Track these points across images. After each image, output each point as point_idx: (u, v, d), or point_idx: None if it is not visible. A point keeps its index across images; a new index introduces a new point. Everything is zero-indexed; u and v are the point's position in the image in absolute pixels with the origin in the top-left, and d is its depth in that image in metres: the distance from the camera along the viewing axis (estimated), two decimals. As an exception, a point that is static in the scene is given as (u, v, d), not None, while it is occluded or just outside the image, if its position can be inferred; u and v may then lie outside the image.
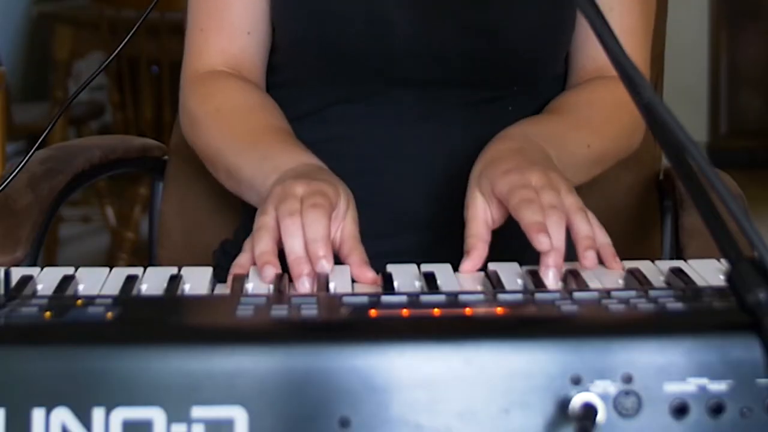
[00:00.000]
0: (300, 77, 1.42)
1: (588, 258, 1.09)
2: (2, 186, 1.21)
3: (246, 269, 1.10)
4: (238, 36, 1.41)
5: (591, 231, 1.11)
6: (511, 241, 1.15)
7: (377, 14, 1.35)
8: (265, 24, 1.42)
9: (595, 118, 1.37)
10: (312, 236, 1.09)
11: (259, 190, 1.24)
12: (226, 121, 1.36)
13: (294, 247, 1.09)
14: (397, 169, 1.39)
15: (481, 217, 1.17)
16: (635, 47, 1.42)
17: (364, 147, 1.39)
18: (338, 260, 1.13)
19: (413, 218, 1.38)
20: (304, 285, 1.06)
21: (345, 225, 1.16)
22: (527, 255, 1.10)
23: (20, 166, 1.22)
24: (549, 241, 1.08)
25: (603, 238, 1.13)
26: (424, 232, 1.39)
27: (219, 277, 1.10)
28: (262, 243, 1.11)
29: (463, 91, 1.39)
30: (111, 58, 1.30)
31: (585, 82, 1.43)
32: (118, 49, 1.29)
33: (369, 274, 1.10)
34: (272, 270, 1.07)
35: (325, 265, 1.08)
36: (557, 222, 1.11)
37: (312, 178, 1.18)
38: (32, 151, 1.25)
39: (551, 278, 1.07)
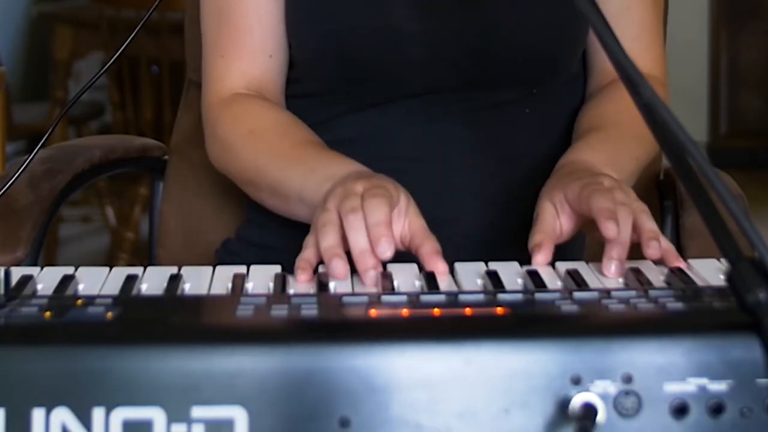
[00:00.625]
0: (314, 89, 1.43)
1: (652, 247, 1.10)
2: (3, 190, 1.21)
3: (312, 264, 1.11)
4: (259, 59, 1.41)
5: (656, 228, 1.13)
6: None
7: (390, 28, 1.36)
8: (285, 46, 1.43)
9: (637, 127, 1.37)
10: (373, 221, 1.10)
11: (310, 202, 1.24)
12: (262, 141, 1.36)
13: (359, 241, 1.09)
14: (412, 169, 1.39)
15: (549, 220, 1.18)
16: (653, 42, 1.43)
17: (379, 149, 1.40)
18: (406, 257, 1.13)
19: (428, 218, 1.38)
20: (372, 278, 1.07)
21: (410, 219, 1.16)
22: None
23: (21, 169, 1.22)
24: (616, 229, 1.10)
25: (666, 243, 1.13)
26: (439, 232, 1.38)
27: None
28: (328, 237, 1.11)
29: (478, 95, 1.39)
30: (111, 62, 1.30)
31: (611, 86, 1.43)
32: (118, 52, 1.29)
33: (440, 265, 1.10)
34: (341, 263, 1.08)
35: (386, 246, 1.08)
36: (626, 216, 1.12)
37: (371, 177, 1.19)
38: (32, 154, 1.25)
39: (613, 271, 1.08)
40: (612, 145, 1.34)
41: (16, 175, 1.24)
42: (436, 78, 1.37)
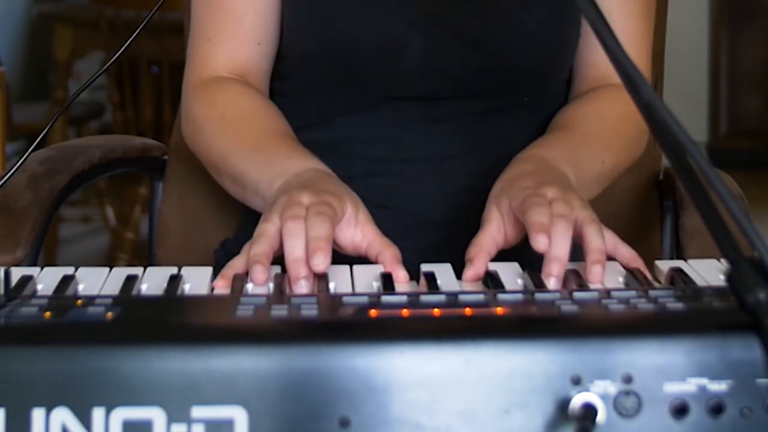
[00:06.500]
0: (310, 88, 1.43)
1: (594, 273, 1.08)
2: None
3: (238, 271, 1.10)
4: (247, 46, 1.41)
5: (603, 245, 1.11)
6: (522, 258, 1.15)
7: (389, 36, 1.36)
8: (275, 35, 1.43)
9: (605, 131, 1.37)
10: (314, 235, 1.09)
11: (263, 195, 1.24)
12: (230, 127, 1.36)
13: (294, 249, 1.09)
14: (406, 171, 1.39)
15: (490, 231, 1.17)
16: (636, 51, 1.42)
17: (373, 149, 1.40)
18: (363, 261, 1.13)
19: (421, 219, 1.39)
20: (302, 288, 1.06)
21: (364, 227, 1.16)
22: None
23: (16, 167, 1.22)
24: (546, 242, 1.08)
25: (628, 253, 1.12)
26: (432, 233, 1.39)
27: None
28: (258, 247, 1.10)
29: (471, 102, 1.39)
30: (111, 62, 1.30)
31: (589, 92, 1.43)
32: (119, 53, 1.29)
33: (400, 274, 1.10)
34: (261, 269, 1.07)
35: (321, 260, 1.07)
36: (563, 230, 1.10)
37: (318, 188, 1.18)
38: (28, 152, 1.25)
39: (551, 286, 1.07)
40: (573, 144, 1.34)
41: (12, 172, 1.23)
42: (431, 86, 1.37)
